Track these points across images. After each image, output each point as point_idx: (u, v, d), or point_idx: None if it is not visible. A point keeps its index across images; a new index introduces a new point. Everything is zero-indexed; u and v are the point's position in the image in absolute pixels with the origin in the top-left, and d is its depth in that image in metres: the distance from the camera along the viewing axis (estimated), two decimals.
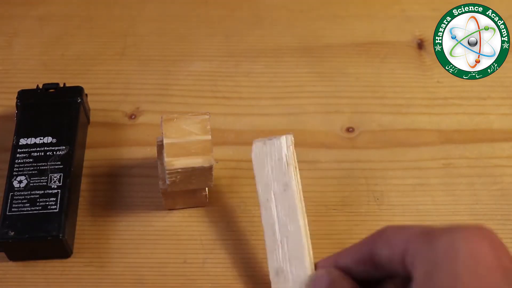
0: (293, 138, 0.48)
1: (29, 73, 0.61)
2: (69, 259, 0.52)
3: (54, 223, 0.50)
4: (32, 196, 0.51)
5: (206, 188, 0.52)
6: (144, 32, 0.64)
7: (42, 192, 0.51)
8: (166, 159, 0.49)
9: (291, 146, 0.48)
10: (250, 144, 0.47)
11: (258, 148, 0.48)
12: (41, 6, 0.66)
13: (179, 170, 0.49)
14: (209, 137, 0.50)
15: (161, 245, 0.52)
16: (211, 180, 0.51)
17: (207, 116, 0.51)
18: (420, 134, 0.58)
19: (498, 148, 0.57)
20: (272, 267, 0.46)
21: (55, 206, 0.51)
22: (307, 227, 0.46)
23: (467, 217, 0.54)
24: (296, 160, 0.48)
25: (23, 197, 0.51)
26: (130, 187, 0.55)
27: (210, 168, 0.49)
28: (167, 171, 0.49)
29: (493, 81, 0.60)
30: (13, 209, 0.51)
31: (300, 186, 0.47)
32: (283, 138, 0.48)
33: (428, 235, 0.39)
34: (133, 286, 0.51)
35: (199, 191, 0.52)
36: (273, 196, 0.47)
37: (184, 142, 0.50)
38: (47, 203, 0.51)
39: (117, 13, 0.66)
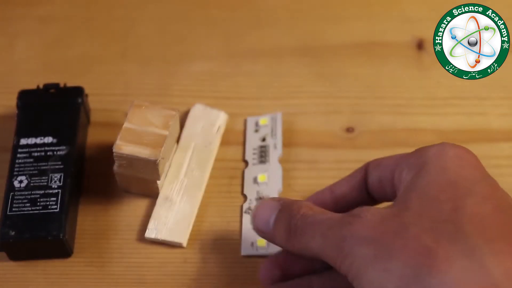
0: (226, 119, 0.57)
1: (29, 74, 0.61)
2: (69, 259, 0.52)
3: (55, 223, 0.50)
4: (33, 196, 0.51)
5: (158, 182, 0.53)
6: (145, 33, 0.64)
7: (43, 192, 0.52)
8: (117, 141, 0.50)
9: (224, 123, 0.57)
10: None
11: (198, 109, 0.57)
12: (42, 6, 0.66)
13: (125, 155, 0.50)
14: (166, 132, 0.51)
15: (162, 244, 0.52)
16: (157, 173, 0.51)
17: (174, 113, 0.52)
18: (420, 134, 0.58)
19: (498, 148, 0.57)
20: (164, 193, 0.53)
21: (56, 206, 0.51)
22: (207, 181, 0.54)
23: None
24: (221, 136, 0.57)
25: (24, 197, 0.51)
26: None
27: (154, 162, 0.50)
28: (114, 154, 0.50)
29: (493, 81, 0.60)
30: (13, 209, 0.51)
31: (215, 153, 0.56)
32: (222, 113, 0.57)
33: (417, 150, 0.44)
34: (133, 286, 0.51)
35: (151, 181, 0.52)
36: (192, 145, 0.55)
37: (141, 131, 0.51)
38: (48, 203, 0.51)
39: (118, 14, 0.66)
